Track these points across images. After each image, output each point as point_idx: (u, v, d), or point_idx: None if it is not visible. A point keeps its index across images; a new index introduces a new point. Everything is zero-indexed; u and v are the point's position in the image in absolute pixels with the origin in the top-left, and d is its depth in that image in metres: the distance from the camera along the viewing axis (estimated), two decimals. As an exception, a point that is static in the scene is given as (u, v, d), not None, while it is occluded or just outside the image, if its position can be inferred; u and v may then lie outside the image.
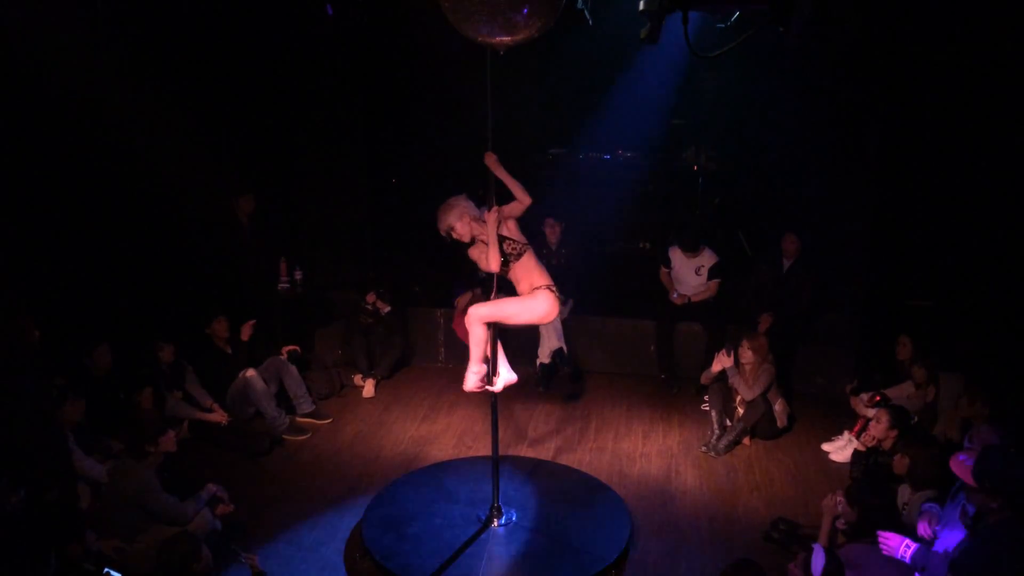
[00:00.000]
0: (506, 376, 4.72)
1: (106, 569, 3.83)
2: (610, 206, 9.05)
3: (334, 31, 7.13)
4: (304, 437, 6.12)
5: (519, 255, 4.45)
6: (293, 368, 6.42)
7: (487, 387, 4.63)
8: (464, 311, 6.96)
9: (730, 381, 5.97)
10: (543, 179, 9.26)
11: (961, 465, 3.98)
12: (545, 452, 5.91)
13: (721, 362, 5.96)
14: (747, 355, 5.93)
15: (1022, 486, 3.68)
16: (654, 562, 4.65)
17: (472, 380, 4.59)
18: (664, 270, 7.22)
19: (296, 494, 5.33)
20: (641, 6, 3.60)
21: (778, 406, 6.06)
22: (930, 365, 5.55)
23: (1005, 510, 3.65)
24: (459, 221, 4.49)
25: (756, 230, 8.34)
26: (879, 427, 4.98)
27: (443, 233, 4.54)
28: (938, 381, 5.45)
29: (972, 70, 5.86)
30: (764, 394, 5.95)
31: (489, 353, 4.58)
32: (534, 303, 4.44)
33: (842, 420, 6.08)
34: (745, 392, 5.91)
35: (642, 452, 5.95)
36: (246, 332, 6.34)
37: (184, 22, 6.25)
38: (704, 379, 6.30)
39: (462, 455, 5.86)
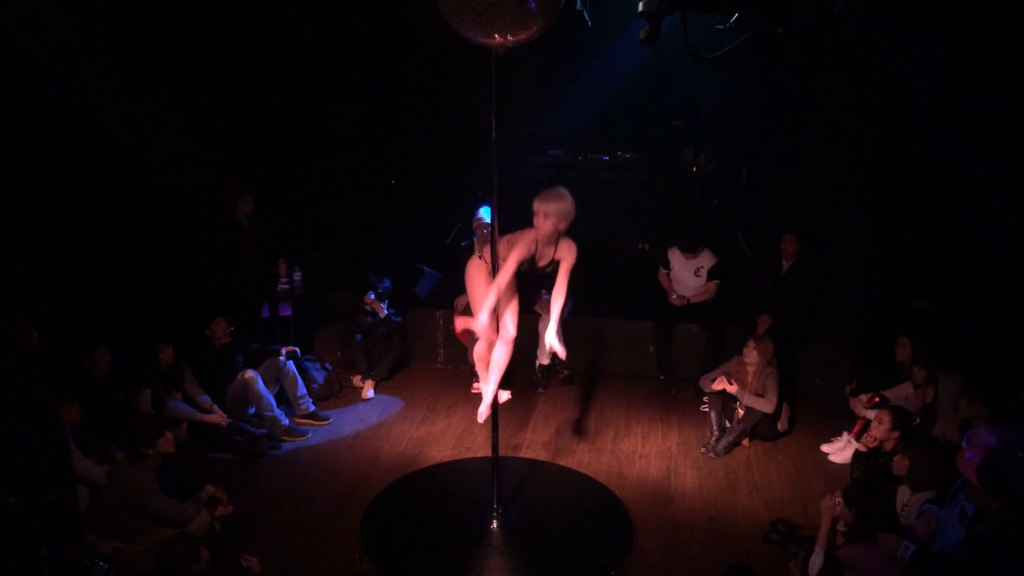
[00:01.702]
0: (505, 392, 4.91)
1: (98, 561, 3.82)
2: (609, 207, 9.07)
3: (334, 31, 7.14)
4: (303, 438, 6.12)
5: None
6: (292, 369, 6.41)
7: (499, 400, 4.77)
8: (463, 312, 7.02)
9: (744, 403, 5.92)
10: (543, 181, 9.28)
11: (967, 463, 3.98)
12: (544, 453, 5.91)
13: (726, 388, 5.93)
14: (752, 356, 5.92)
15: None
16: (653, 563, 4.65)
17: (488, 408, 4.69)
18: (663, 271, 7.22)
19: (295, 495, 5.33)
20: (640, 7, 3.60)
21: (780, 409, 6.05)
22: (929, 366, 5.54)
23: (1006, 512, 3.65)
24: (558, 221, 4.33)
25: (755, 231, 8.36)
26: (881, 428, 4.98)
27: (543, 216, 4.30)
28: (937, 382, 5.44)
29: (972, 70, 5.87)
30: (780, 400, 5.93)
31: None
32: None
33: (841, 421, 6.08)
34: (764, 406, 5.84)
35: (641, 453, 5.95)
36: (225, 334, 6.31)
37: (183, 22, 6.25)
38: (703, 385, 6.29)
39: (461, 456, 5.85)
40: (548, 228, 4.31)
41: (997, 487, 3.66)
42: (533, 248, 4.40)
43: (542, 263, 4.44)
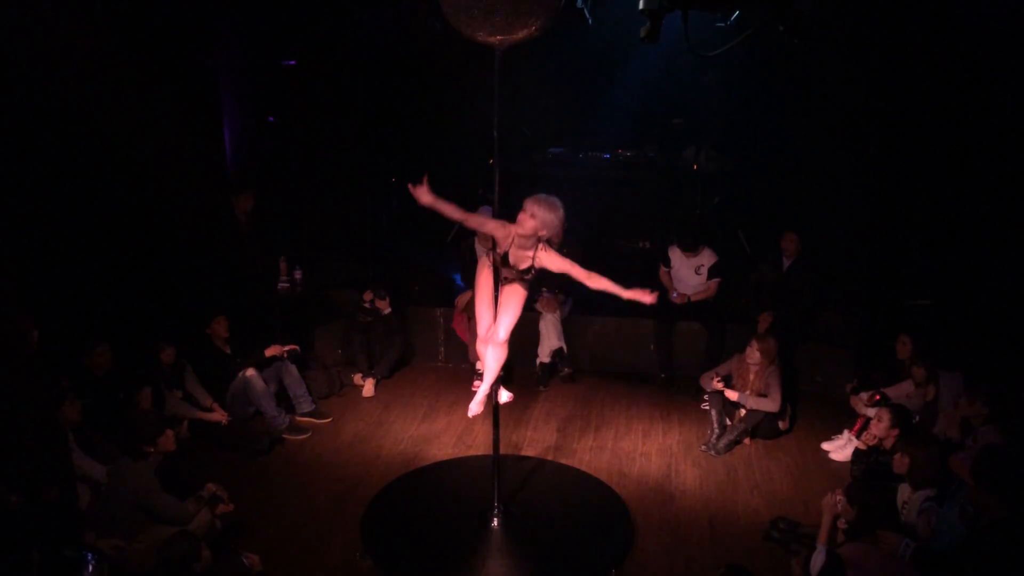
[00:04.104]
0: (506, 393, 4.86)
1: (87, 554, 3.81)
2: (610, 205, 9.06)
3: (335, 29, 7.13)
4: (304, 436, 6.12)
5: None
6: (293, 367, 6.42)
7: (501, 401, 4.77)
8: (464, 310, 7.03)
9: (748, 406, 5.90)
10: (543, 179, 9.27)
11: (961, 463, 3.99)
12: (545, 451, 5.91)
13: (729, 395, 5.93)
14: (754, 356, 5.91)
15: (1021, 485, 3.69)
16: (654, 561, 4.65)
17: (479, 407, 4.68)
18: (664, 269, 7.22)
19: (296, 493, 5.33)
20: (641, 5, 3.59)
21: (782, 408, 6.04)
22: (930, 364, 5.54)
23: (1004, 509, 3.66)
24: (540, 226, 4.25)
25: (756, 229, 8.35)
26: (881, 426, 4.99)
27: (530, 215, 4.23)
28: (938, 380, 5.44)
29: (972, 69, 5.86)
30: (783, 399, 5.92)
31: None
32: (524, 288, 4.51)
33: (842, 419, 6.08)
34: (769, 406, 5.83)
35: (642, 451, 5.95)
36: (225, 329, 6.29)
37: (183, 19, 6.24)
38: (704, 383, 6.28)
39: (462, 454, 5.85)
40: (527, 229, 4.25)
41: (992, 484, 3.67)
42: (507, 239, 4.32)
43: (522, 265, 4.37)
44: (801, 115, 7.50)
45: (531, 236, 4.27)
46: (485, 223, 4.42)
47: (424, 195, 4.17)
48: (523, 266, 4.37)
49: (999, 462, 3.80)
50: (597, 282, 4.37)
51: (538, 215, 4.23)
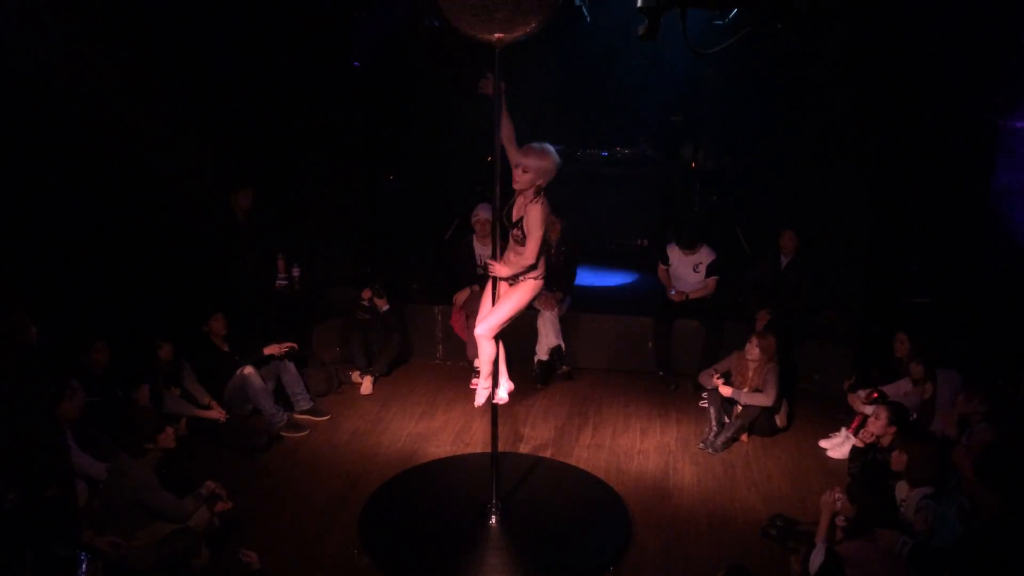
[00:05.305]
0: (506, 385, 4.84)
1: (81, 553, 3.81)
2: (608, 203, 9.08)
3: (333, 26, 7.14)
4: (302, 434, 6.12)
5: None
6: (291, 365, 6.42)
7: (495, 401, 4.76)
8: (462, 308, 7.03)
9: (743, 402, 5.92)
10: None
11: (964, 459, 4.00)
12: (543, 449, 5.92)
13: (723, 391, 5.95)
14: (754, 352, 5.91)
15: (1022, 483, 3.70)
16: (651, 558, 4.65)
17: (483, 396, 4.74)
18: (662, 267, 7.23)
19: (294, 491, 5.33)
20: (639, 3, 3.59)
21: (779, 404, 6.05)
22: (927, 362, 5.55)
23: (1004, 506, 3.67)
24: (536, 177, 4.09)
25: (754, 227, 8.36)
26: (878, 423, 5.00)
27: (515, 163, 4.10)
28: (935, 378, 5.45)
29: (971, 67, 5.87)
30: (779, 394, 5.94)
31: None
32: (528, 293, 4.45)
33: (840, 417, 6.09)
34: (763, 400, 5.85)
35: (640, 449, 5.96)
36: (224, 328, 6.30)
37: (182, 15, 6.24)
38: (702, 381, 6.29)
39: (460, 452, 5.86)
40: (524, 182, 4.13)
41: (994, 481, 3.68)
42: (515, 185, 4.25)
43: (516, 215, 4.27)
44: (799, 113, 7.50)
45: (528, 188, 4.17)
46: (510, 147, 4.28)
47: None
48: (516, 216, 4.28)
49: (1004, 459, 3.81)
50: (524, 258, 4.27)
51: (530, 167, 4.10)
